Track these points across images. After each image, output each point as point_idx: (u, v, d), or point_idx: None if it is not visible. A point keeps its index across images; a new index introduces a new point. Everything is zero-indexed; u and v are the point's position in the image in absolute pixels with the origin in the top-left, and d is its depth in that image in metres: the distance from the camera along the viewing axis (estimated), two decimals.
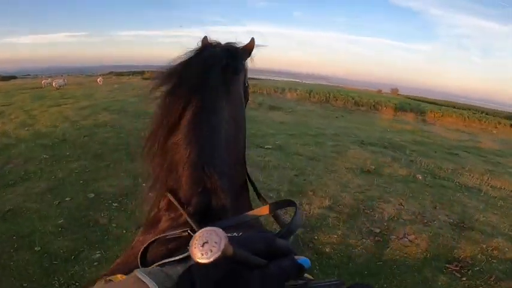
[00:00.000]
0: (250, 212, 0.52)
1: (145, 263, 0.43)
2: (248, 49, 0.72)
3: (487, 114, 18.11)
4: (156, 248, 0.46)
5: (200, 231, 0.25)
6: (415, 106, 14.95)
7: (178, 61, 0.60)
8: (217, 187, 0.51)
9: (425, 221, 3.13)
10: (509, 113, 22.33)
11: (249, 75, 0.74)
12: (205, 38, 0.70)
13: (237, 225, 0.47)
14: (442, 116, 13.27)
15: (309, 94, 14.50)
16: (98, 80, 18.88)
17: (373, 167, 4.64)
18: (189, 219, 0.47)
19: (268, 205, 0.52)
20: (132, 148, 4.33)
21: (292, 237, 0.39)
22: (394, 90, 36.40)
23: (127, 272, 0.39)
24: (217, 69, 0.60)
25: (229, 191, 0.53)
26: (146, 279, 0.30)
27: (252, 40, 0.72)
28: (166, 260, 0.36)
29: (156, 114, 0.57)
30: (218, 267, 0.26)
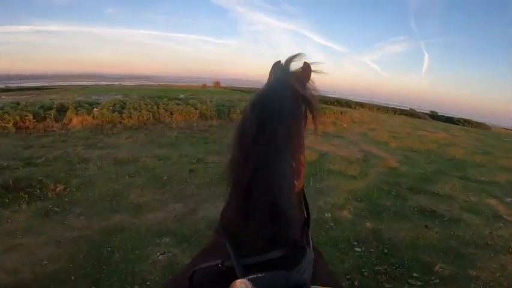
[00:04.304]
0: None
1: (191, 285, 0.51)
2: (306, 79, 0.68)
3: None
4: (203, 271, 0.52)
5: (233, 283, 0.37)
6: None
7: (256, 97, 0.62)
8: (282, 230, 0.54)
9: None
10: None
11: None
12: (278, 63, 0.70)
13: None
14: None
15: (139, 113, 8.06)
16: None
17: None
18: (233, 260, 0.51)
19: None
20: None
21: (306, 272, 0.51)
22: (217, 84, 37.21)
23: None
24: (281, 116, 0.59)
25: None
26: None
27: (306, 67, 0.67)
28: None
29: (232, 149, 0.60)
30: None
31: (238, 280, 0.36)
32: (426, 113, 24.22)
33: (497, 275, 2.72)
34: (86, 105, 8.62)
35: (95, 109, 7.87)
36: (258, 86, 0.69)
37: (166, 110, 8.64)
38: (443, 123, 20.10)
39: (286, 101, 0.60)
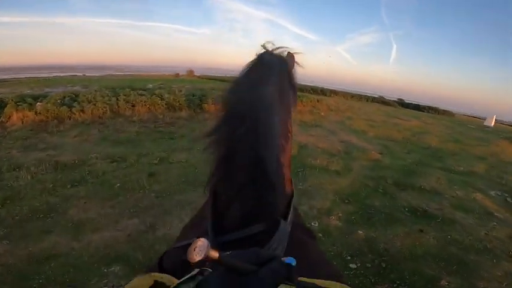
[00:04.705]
0: None
1: (161, 269, 0.50)
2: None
3: None
4: (174, 252, 0.52)
5: (193, 241, 0.35)
6: None
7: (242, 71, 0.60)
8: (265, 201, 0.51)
9: None
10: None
11: None
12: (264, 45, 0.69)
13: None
14: None
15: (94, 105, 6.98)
16: None
17: None
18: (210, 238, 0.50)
19: None
20: None
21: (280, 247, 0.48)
22: (190, 72, 35.68)
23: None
24: (269, 85, 0.57)
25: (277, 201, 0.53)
26: None
27: (290, 56, 0.68)
28: (179, 281, 0.41)
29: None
30: (219, 278, 0.37)
31: (200, 238, 0.34)
32: (394, 101, 24.93)
33: (504, 284, 2.45)
34: (30, 99, 7.29)
35: (38, 103, 6.65)
36: (234, 75, 0.61)
37: (127, 102, 7.62)
38: (412, 110, 20.77)
39: (275, 67, 0.60)
